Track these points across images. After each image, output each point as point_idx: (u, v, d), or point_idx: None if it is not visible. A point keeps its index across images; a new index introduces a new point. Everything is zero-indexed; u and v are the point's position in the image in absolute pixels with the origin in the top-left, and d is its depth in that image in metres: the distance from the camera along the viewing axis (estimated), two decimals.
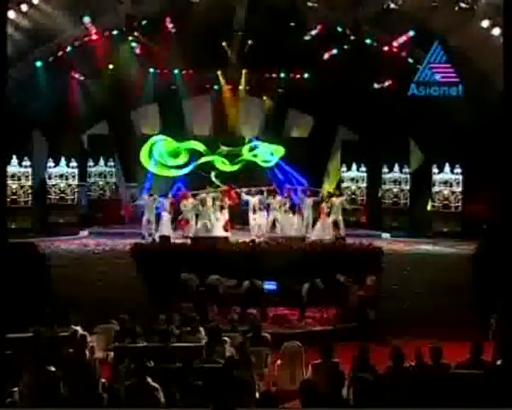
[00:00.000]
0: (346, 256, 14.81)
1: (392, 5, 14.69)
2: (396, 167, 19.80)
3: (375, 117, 19.52)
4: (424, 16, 15.74)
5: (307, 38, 17.91)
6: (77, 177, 19.03)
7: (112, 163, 20.39)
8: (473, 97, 17.44)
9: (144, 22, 17.41)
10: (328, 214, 16.83)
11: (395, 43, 17.28)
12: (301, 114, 21.73)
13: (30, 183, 18.16)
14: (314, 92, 19.69)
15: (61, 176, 18.85)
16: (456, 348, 8.62)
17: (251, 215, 17.23)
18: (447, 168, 18.95)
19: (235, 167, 20.38)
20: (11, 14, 14.61)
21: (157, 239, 15.98)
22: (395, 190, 19.83)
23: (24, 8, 15.09)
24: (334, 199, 17.18)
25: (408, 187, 19.87)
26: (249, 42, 18.83)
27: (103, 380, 7.68)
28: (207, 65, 19.71)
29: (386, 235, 18.52)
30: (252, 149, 20.68)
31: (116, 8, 16.72)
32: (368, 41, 17.62)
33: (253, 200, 17.31)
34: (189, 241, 15.75)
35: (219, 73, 20.55)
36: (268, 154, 20.61)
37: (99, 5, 16.40)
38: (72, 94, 19.30)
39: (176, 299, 12.92)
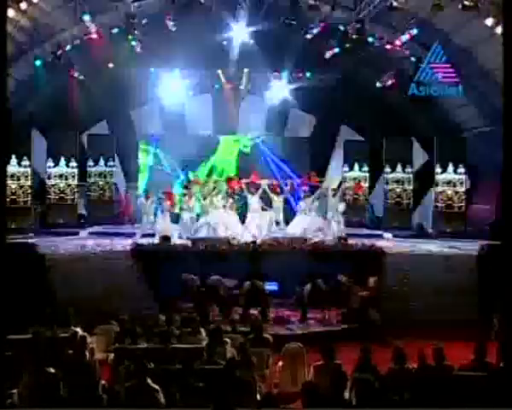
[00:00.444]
0: (348, 257, 14.75)
1: (395, 3, 14.57)
2: (399, 167, 19.75)
3: (377, 116, 19.43)
4: (427, 14, 15.64)
5: (309, 36, 17.80)
6: (76, 177, 18.98)
7: (112, 163, 20.27)
8: (474, 97, 17.38)
9: (144, 21, 17.32)
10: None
11: (398, 42, 17.17)
12: (303, 113, 21.66)
13: (29, 183, 18.09)
14: (316, 91, 19.62)
15: (60, 176, 18.81)
16: (459, 349, 8.58)
17: (250, 215, 17.09)
18: (450, 168, 18.88)
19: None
20: (10, 13, 14.51)
21: (157, 239, 15.90)
22: (398, 189, 19.79)
23: (23, 6, 14.98)
24: (333, 199, 17.08)
25: (411, 187, 19.82)
26: (250, 41, 18.73)
27: (103, 381, 7.70)
28: (208, 64, 19.62)
29: (388, 235, 18.43)
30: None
31: (116, 6, 16.63)
32: (370, 39, 17.51)
33: (253, 199, 17.12)
34: (189, 242, 15.66)
35: (220, 71, 20.48)
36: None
37: (99, 3, 16.30)
38: (71, 93, 19.19)
39: (176, 300, 12.88)
